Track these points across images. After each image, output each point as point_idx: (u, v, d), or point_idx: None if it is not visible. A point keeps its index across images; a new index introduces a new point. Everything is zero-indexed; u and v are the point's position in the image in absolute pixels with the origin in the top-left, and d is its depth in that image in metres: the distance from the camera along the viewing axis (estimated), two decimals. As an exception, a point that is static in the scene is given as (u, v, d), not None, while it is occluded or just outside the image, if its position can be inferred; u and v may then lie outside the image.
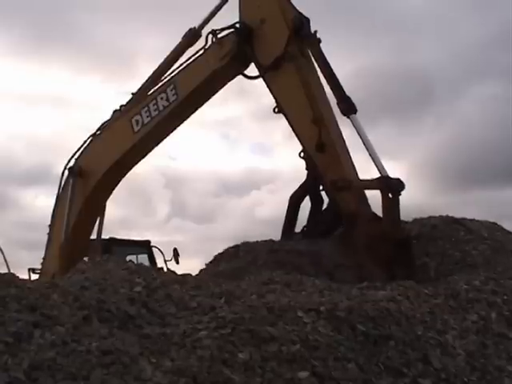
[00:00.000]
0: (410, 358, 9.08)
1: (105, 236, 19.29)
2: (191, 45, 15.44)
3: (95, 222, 17.47)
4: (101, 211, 17.49)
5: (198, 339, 8.33)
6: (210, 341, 8.22)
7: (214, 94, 15.00)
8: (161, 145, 15.78)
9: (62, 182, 17.03)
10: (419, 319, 10.16)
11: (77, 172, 16.57)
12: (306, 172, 13.18)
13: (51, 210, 17.37)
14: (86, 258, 15.71)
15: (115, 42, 69.49)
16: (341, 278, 11.22)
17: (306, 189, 12.65)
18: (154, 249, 21.65)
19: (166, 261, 20.84)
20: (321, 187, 13.02)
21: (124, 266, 11.90)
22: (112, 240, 19.86)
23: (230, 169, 79.92)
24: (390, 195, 11.62)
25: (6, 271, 13.79)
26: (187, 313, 9.81)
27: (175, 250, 20.46)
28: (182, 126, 15.30)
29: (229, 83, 14.73)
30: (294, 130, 12.74)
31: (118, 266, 11.83)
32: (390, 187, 11.60)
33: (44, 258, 17.63)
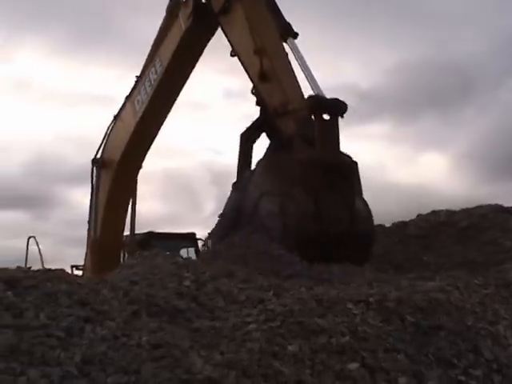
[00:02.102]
0: (461, 348, 8.99)
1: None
2: (177, 16, 15.32)
3: (124, 217, 17.40)
4: (127, 205, 17.38)
5: (247, 332, 8.35)
6: (259, 334, 8.23)
7: (194, 60, 14.90)
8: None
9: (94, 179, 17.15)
10: (469, 310, 10.05)
11: (100, 164, 16.67)
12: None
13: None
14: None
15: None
16: (265, 207, 10.46)
17: (258, 125, 12.17)
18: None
19: None
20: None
21: (172, 260, 11.96)
22: (151, 234, 19.72)
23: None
24: (327, 116, 10.71)
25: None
26: (236, 306, 9.84)
27: (206, 240, 20.23)
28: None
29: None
30: (242, 64, 12.52)
31: (166, 260, 11.89)
32: (322, 106, 10.81)
33: (86, 254, 17.76)
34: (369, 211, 10.24)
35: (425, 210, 19.14)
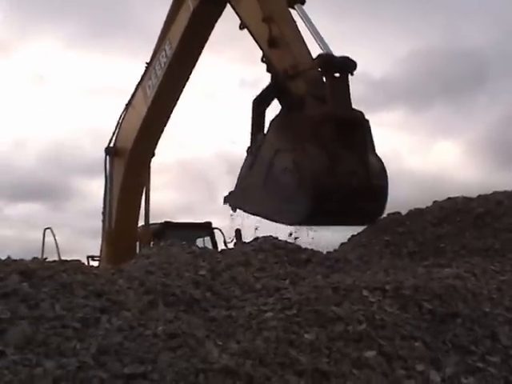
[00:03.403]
0: (478, 335, 8.95)
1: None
2: None
3: (138, 206, 17.34)
4: (141, 193, 17.34)
5: (263, 321, 8.33)
6: (275, 322, 8.21)
7: (203, 40, 14.85)
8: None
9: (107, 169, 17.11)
10: (486, 296, 10.00)
11: (113, 153, 16.64)
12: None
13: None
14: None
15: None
16: (279, 164, 10.51)
17: (270, 91, 12.22)
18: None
19: (225, 242, 20.65)
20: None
21: (188, 249, 11.95)
22: (166, 224, 19.71)
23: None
24: (337, 74, 10.77)
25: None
26: (252, 295, 9.83)
27: (238, 231, 20.12)
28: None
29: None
30: (251, 34, 12.55)
31: (182, 250, 11.88)
32: (332, 63, 10.72)
33: (101, 245, 17.76)
34: (383, 166, 10.23)
35: (440, 197, 19.06)
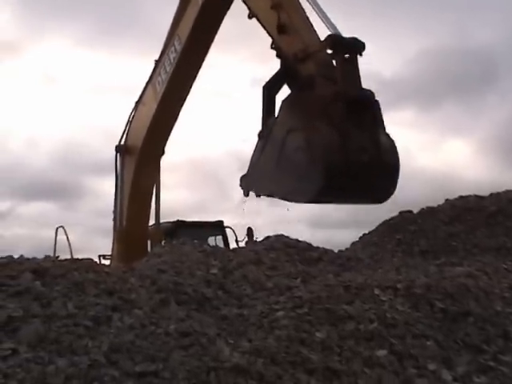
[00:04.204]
0: (490, 334, 8.93)
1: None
2: None
3: (149, 204, 17.35)
4: (151, 192, 17.36)
5: (275, 319, 8.34)
6: (287, 321, 8.23)
7: (212, 34, 14.95)
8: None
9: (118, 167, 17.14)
10: (498, 295, 9.98)
11: (124, 151, 16.66)
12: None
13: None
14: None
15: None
16: (291, 143, 10.63)
17: (280, 77, 12.41)
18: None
19: (237, 241, 20.64)
20: None
21: (200, 248, 11.96)
22: (178, 223, 19.70)
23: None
24: (347, 55, 10.94)
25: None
26: (264, 293, 9.83)
27: (250, 229, 20.12)
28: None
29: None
30: (260, 22, 12.69)
31: (193, 248, 11.90)
32: (341, 44, 10.90)
33: (113, 244, 17.77)
34: (393, 144, 10.32)
35: (451, 196, 19.04)
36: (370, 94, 10.47)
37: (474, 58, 58.00)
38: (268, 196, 10.86)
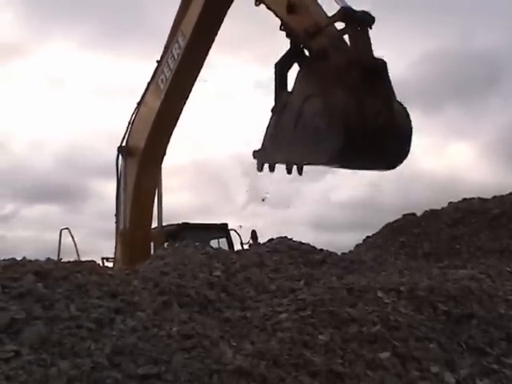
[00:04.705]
0: (493, 336, 8.93)
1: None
2: None
3: (152, 206, 17.36)
4: (154, 193, 17.37)
5: (278, 322, 8.33)
6: (290, 323, 8.22)
7: (216, 28, 15.10)
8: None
9: (120, 169, 17.14)
10: (502, 297, 9.97)
11: (126, 152, 16.67)
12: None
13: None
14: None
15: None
16: (309, 109, 11.04)
17: (290, 55, 12.84)
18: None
19: (242, 243, 20.65)
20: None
21: (203, 250, 11.96)
22: (183, 225, 19.67)
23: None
24: (358, 28, 11.40)
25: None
26: (267, 296, 9.82)
27: (254, 232, 20.15)
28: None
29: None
30: (267, 6, 12.97)
31: (196, 251, 11.89)
32: (354, 16, 11.09)
33: (115, 246, 17.75)
34: (406, 109, 10.73)
35: (455, 199, 19.06)
36: (382, 63, 10.82)
37: (478, 62, 58.09)
38: (285, 163, 11.34)
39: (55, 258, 10.59)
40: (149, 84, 16.53)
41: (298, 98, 11.23)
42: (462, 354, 8.39)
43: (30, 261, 9.46)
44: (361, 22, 10.98)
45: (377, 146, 10.38)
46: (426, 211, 18.75)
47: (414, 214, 18.60)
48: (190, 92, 15.74)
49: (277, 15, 12.56)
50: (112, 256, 17.60)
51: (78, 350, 6.85)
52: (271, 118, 11.94)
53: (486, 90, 61.40)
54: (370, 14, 11.05)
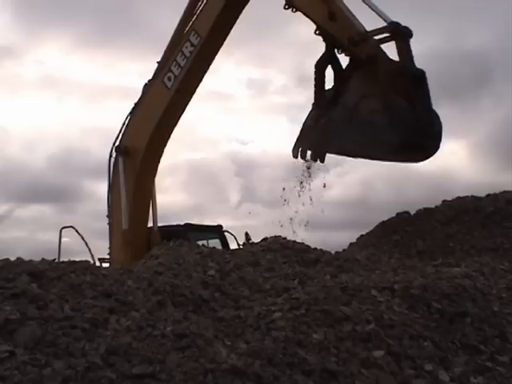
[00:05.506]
0: (487, 334, 8.95)
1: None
2: None
3: (149, 205, 17.37)
4: (151, 192, 17.39)
5: (272, 321, 8.34)
6: (284, 322, 8.22)
7: (232, 25, 15.35)
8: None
9: (111, 169, 17.09)
10: (495, 295, 10.01)
11: (123, 152, 16.64)
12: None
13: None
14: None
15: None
16: (366, 106, 12.65)
17: (325, 58, 13.85)
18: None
19: (239, 245, 20.68)
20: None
21: (197, 250, 11.97)
22: (186, 226, 19.69)
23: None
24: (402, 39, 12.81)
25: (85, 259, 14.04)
26: (261, 295, 9.83)
27: (247, 233, 20.22)
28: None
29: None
30: (308, 15, 14.11)
31: (190, 250, 11.90)
32: (401, 30, 12.75)
33: (110, 248, 17.69)
34: (437, 114, 12.74)
35: (448, 197, 19.10)
36: (423, 72, 12.58)
37: (469, 62, 58.21)
38: (338, 154, 13.19)
39: (51, 257, 10.51)
40: (151, 84, 16.57)
41: (354, 97, 12.80)
42: (456, 351, 8.41)
43: (24, 261, 9.45)
44: (405, 35, 12.65)
45: (421, 144, 12.18)
46: (420, 209, 18.78)
47: (407, 213, 18.62)
48: (199, 85, 16.04)
49: (315, 22, 14.00)
50: (107, 257, 17.61)
51: (73, 350, 6.83)
52: (311, 111, 13.13)
53: (478, 90, 61.50)
54: (410, 29, 12.71)
